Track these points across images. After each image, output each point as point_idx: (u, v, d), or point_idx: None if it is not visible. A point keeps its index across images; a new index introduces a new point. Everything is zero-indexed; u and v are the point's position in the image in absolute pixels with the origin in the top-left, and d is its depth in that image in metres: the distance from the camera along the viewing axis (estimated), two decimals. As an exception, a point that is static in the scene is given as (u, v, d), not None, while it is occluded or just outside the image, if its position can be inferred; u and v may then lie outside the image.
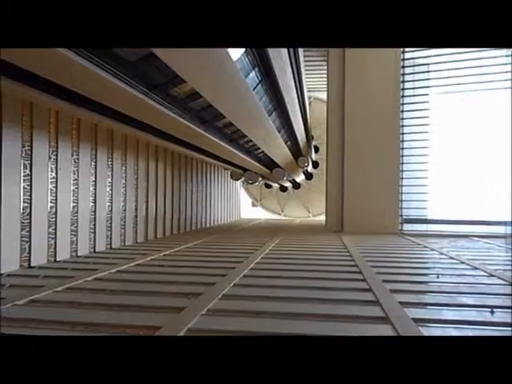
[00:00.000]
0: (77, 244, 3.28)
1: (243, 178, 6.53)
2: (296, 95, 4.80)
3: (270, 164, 6.26)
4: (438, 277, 2.47)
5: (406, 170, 5.66)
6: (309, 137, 7.92)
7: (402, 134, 5.63)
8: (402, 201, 5.62)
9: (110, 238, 3.81)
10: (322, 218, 7.30)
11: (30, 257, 2.75)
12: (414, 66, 5.71)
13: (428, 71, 5.73)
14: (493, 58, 5.20)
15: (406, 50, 5.63)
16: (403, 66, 5.66)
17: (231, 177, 6.89)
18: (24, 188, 2.71)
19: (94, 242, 3.54)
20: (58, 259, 3.02)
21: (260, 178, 6.52)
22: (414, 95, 5.70)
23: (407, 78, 5.68)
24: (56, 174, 3.01)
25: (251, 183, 6.49)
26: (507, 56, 5.05)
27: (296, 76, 4.34)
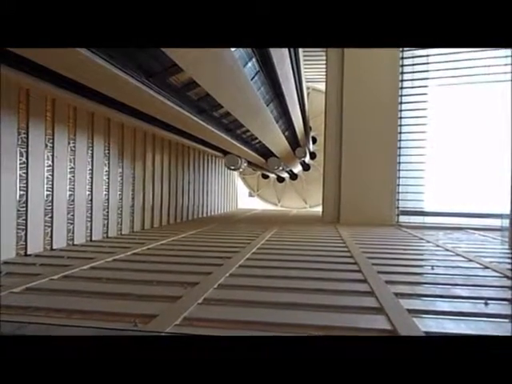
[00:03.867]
0: (73, 232, 3.27)
1: (232, 166, 5.74)
2: (294, 85, 4.77)
3: (268, 154, 6.24)
4: (432, 268, 2.48)
5: (403, 162, 5.66)
6: (307, 128, 7.89)
7: (400, 125, 5.62)
8: (398, 193, 5.63)
9: (107, 227, 3.80)
10: (319, 209, 7.32)
11: (26, 245, 2.75)
12: (413, 57, 5.69)
13: (427, 63, 5.70)
14: (493, 50, 5.18)
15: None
16: (402, 58, 5.63)
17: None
18: (20, 176, 2.69)
19: (91, 230, 3.54)
20: (54, 247, 3.02)
21: (245, 164, 6.02)
22: (412, 87, 5.68)
23: (406, 69, 5.66)
24: (52, 162, 3.00)
25: (233, 169, 5.82)
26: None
27: (295, 66, 4.31)
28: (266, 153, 6.11)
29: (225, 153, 5.46)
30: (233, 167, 5.61)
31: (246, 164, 5.96)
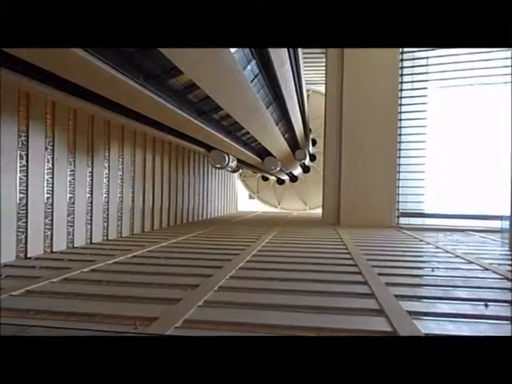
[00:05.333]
0: (73, 235, 3.27)
1: (215, 162, 4.80)
2: (294, 88, 4.77)
3: (267, 156, 6.22)
4: (433, 270, 2.48)
5: (403, 164, 5.66)
6: (306, 130, 7.89)
7: (400, 127, 5.63)
8: (398, 194, 5.63)
9: (107, 230, 3.80)
10: (319, 211, 7.31)
11: (26, 247, 2.75)
12: (413, 59, 5.69)
13: (427, 65, 5.71)
14: (494, 52, 5.18)
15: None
16: (402, 60, 5.65)
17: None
18: (20, 179, 2.69)
19: (91, 233, 3.53)
20: (54, 250, 3.02)
21: (235, 162, 5.29)
22: (412, 89, 5.69)
23: (406, 70, 5.67)
24: (52, 164, 3.00)
25: (219, 167, 4.92)
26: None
27: (294, 68, 4.32)
28: (265, 155, 6.11)
29: (210, 149, 4.78)
30: (219, 165, 4.80)
31: (235, 162, 5.27)
